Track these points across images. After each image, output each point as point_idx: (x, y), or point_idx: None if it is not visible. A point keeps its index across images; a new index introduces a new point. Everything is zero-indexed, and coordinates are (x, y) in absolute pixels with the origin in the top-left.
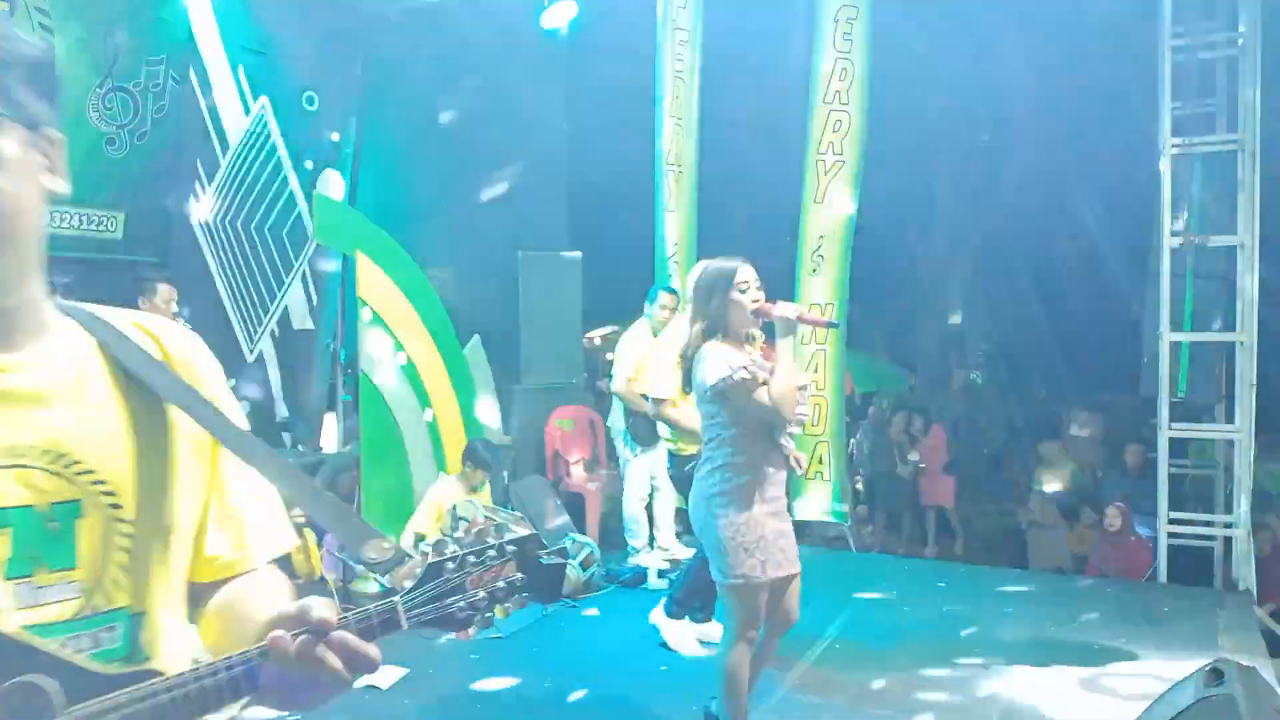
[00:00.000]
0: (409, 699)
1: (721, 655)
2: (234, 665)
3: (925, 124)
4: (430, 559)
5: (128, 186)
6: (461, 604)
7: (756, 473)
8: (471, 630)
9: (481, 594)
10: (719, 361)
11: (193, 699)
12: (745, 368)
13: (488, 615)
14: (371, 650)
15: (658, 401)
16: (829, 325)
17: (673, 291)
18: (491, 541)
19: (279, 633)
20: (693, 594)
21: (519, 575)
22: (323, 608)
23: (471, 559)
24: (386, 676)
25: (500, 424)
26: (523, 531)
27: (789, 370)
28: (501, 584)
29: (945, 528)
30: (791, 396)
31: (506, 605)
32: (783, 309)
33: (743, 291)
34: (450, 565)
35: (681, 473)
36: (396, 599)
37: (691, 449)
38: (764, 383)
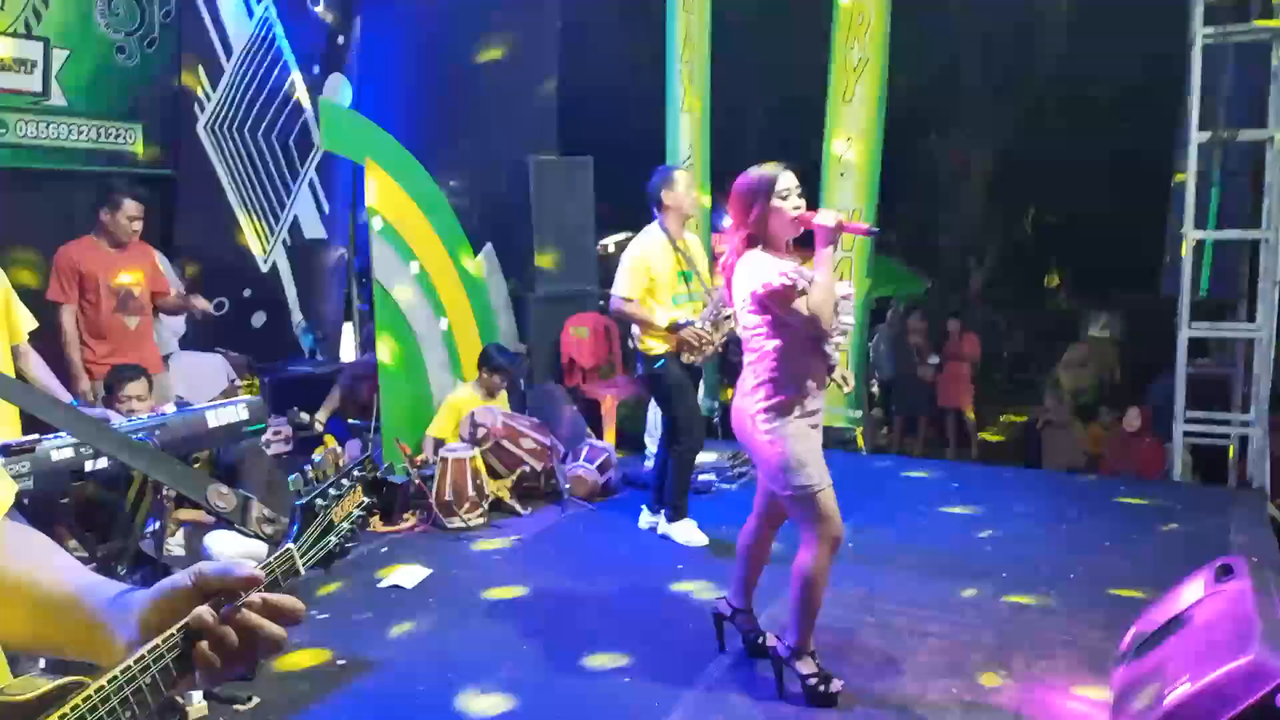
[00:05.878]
0: (431, 598)
1: (802, 561)
2: (161, 656)
3: (945, 18)
4: (301, 501)
5: (142, 96)
6: (334, 540)
7: (800, 387)
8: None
9: (346, 526)
10: (759, 269)
11: (133, 704)
12: (786, 274)
13: (349, 546)
14: (295, 602)
15: (627, 300)
16: (870, 233)
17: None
18: (337, 474)
19: (202, 609)
20: (679, 491)
21: (365, 499)
22: (242, 567)
23: (333, 491)
24: (411, 576)
25: (515, 331)
26: (363, 457)
27: (829, 280)
28: (356, 511)
29: (963, 429)
30: (830, 306)
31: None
32: (823, 217)
33: (784, 199)
34: (320, 502)
35: (652, 371)
36: (291, 546)
37: (659, 349)
38: (803, 291)
